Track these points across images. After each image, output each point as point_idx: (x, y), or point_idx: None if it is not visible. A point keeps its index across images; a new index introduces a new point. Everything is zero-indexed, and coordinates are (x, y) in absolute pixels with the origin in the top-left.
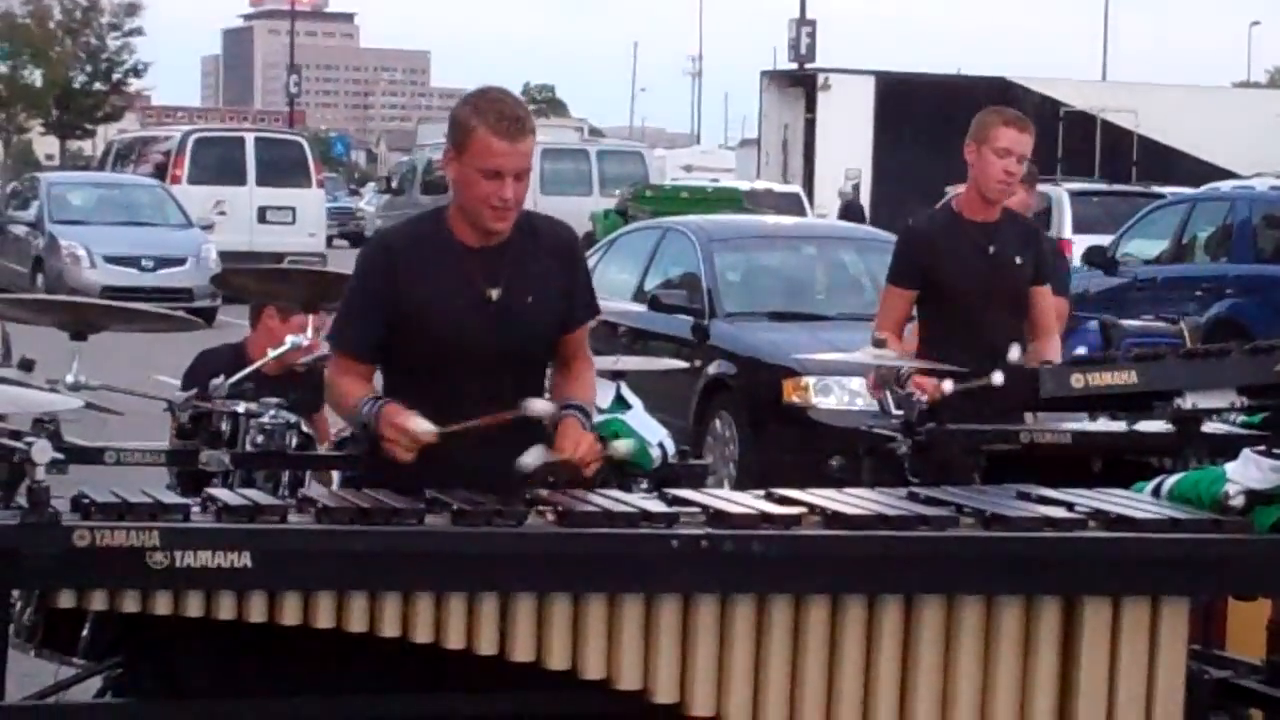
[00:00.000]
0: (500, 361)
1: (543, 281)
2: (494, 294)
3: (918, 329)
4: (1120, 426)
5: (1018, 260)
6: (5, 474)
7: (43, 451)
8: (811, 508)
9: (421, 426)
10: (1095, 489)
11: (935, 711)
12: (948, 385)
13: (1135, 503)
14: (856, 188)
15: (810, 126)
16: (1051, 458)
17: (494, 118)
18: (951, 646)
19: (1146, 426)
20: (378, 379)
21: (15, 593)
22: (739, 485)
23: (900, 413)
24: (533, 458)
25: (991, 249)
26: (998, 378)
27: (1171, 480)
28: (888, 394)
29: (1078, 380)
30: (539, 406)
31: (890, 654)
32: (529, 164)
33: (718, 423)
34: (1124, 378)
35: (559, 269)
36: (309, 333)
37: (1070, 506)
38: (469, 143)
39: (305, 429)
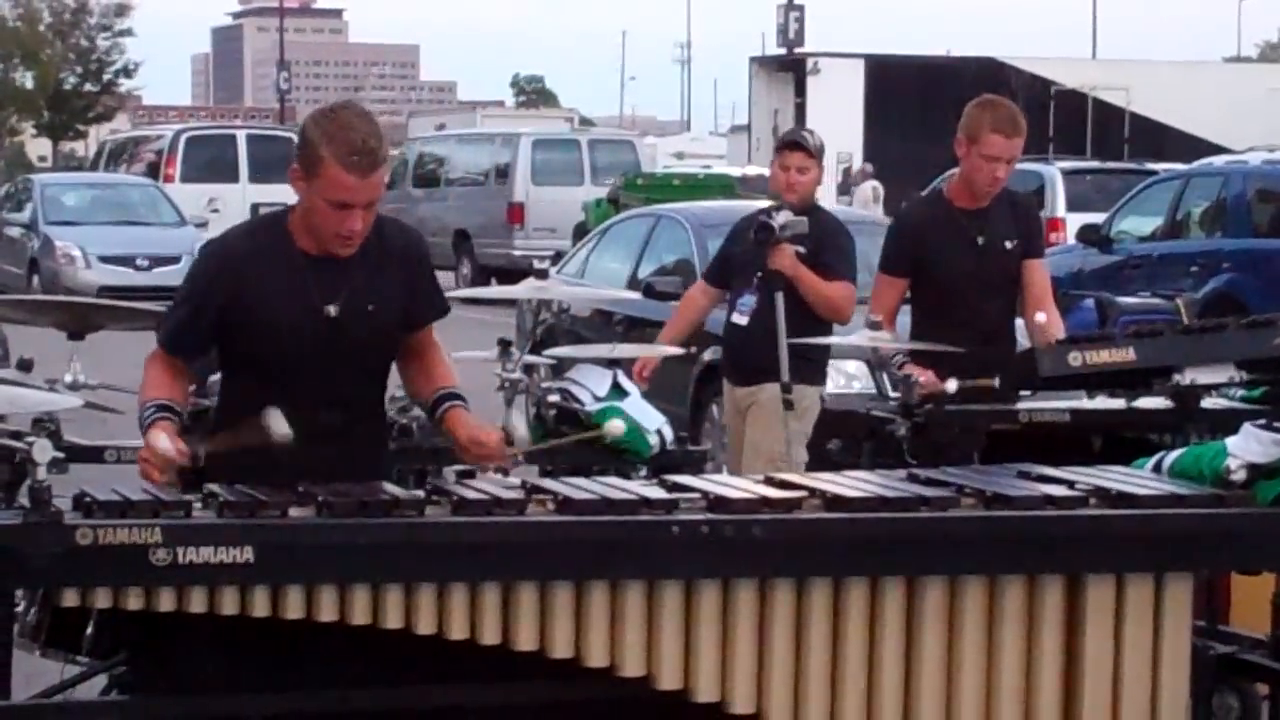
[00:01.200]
0: (337, 369)
1: (385, 289)
2: (332, 310)
3: (911, 313)
4: (1119, 404)
5: (1007, 245)
6: (7, 474)
7: (44, 451)
8: (811, 491)
9: (165, 447)
10: (1096, 466)
11: (940, 692)
12: (951, 385)
13: (1137, 479)
14: (849, 171)
15: (800, 111)
16: (1050, 436)
17: (345, 150)
18: (955, 627)
19: (1146, 403)
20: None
21: (19, 592)
22: (736, 471)
23: (898, 394)
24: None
25: (981, 239)
26: (1000, 382)
27: (1172, 456)
28: (886, 376)
29: (1075, 358)
30: (277, 425)
31: (894, 636)
32: (379, 193)
33: (714, 409)
34: (1122, 355)
35: (403, 275)
36: None
37: (1071, 485)
38: (317, 171)
39: None
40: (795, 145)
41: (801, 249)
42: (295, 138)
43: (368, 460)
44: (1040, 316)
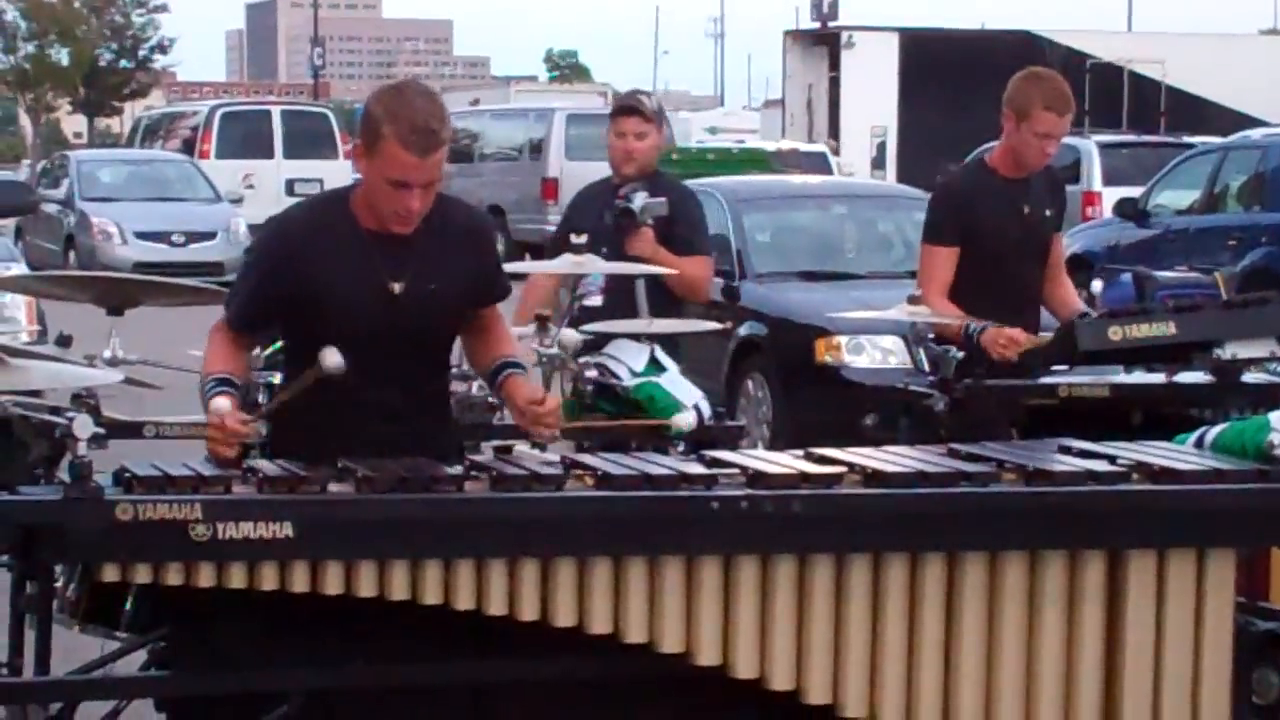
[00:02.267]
0: (401, 347)
1: (449, 268)
2: (397, 287)
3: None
4: (1159, 378)
5: (1047, 214)
6: (46, 450)
7: (84, 426)
8: (851, 466)
9: (231, 416)
10: (1137, 442)
11: (980, 668)
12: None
13: (1179, 454)
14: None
15: (834, 85)
16: (1089, 412)
17: (406, 129)
18: (995, 603)
19: (1186, 378)
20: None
21: (57, 568)
22: (772, 447)
23: (932, 370)
24: None
25: (1026, 208)
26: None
27: (1215, 431)
28: (923, 351)
29: (1115, 333)
30: (331, 360)
31: (934, 611)
32: (439, 174)
33: (750, 384)
34: (1163, 329)
35: (468, 254)
36: None
37: (1113, 460)
38: (378, 148)
39: None
40: (631, 110)
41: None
42: (330, 114)
43: (433, 441)
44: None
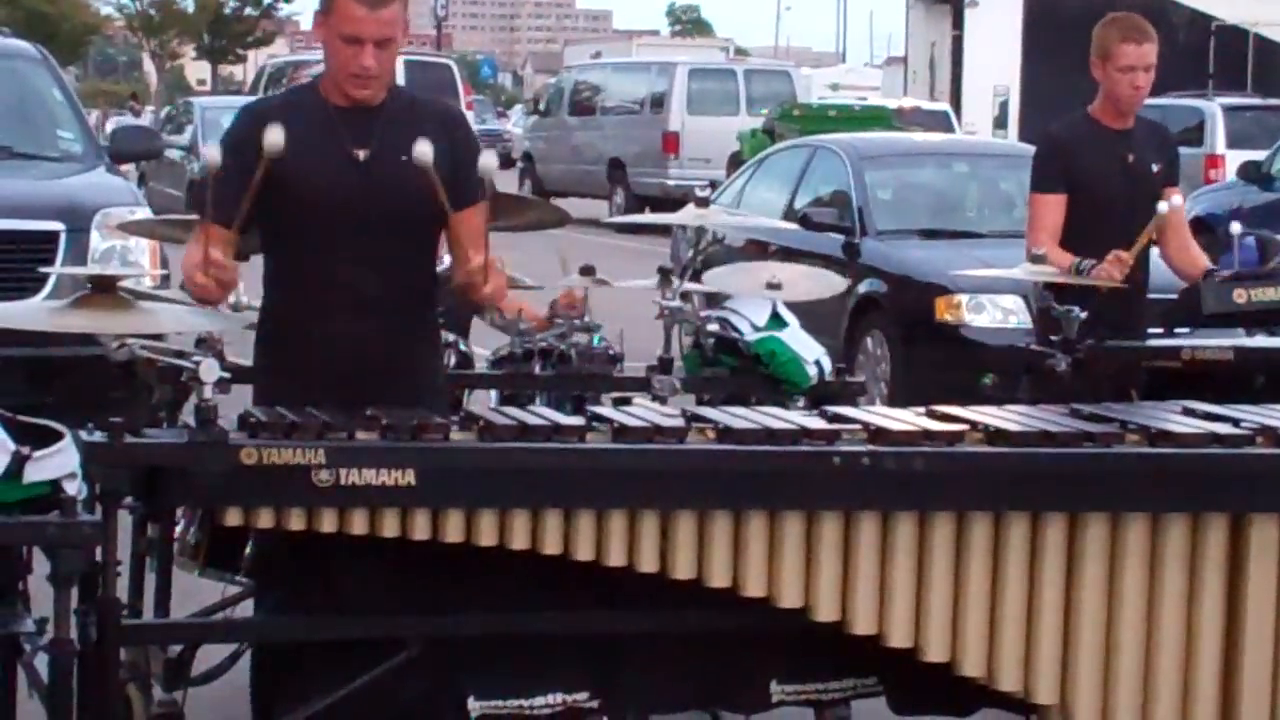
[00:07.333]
0: (374, 223)
1: (420, 143)
2: (361, 154)
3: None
4: None
5: (1154, 168)
6: (170, 393)
7: (210, 370)
8: (973, 424)
9: (216, 256)
10: (1261, 405)
11: (1099, 629)
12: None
13: None
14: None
15: (957, 44)
16: (1212, 375)
17: None
18: (1116, 564)
19: None
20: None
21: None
22: (891, 404)
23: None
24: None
25: (1130, 157)
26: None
27: None
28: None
29: (1240, 296)
30: (272, 137)
31: (1054, 572)
32: (394, 33)
33: (869, 341)
34: None
35: (439, 135)
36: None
37: (1237, 423)
38: (332, 6)
39: (463, 347)
40: None
41: None
42: (452, 65)
43: (411, 338)
44: (1167, 202)
